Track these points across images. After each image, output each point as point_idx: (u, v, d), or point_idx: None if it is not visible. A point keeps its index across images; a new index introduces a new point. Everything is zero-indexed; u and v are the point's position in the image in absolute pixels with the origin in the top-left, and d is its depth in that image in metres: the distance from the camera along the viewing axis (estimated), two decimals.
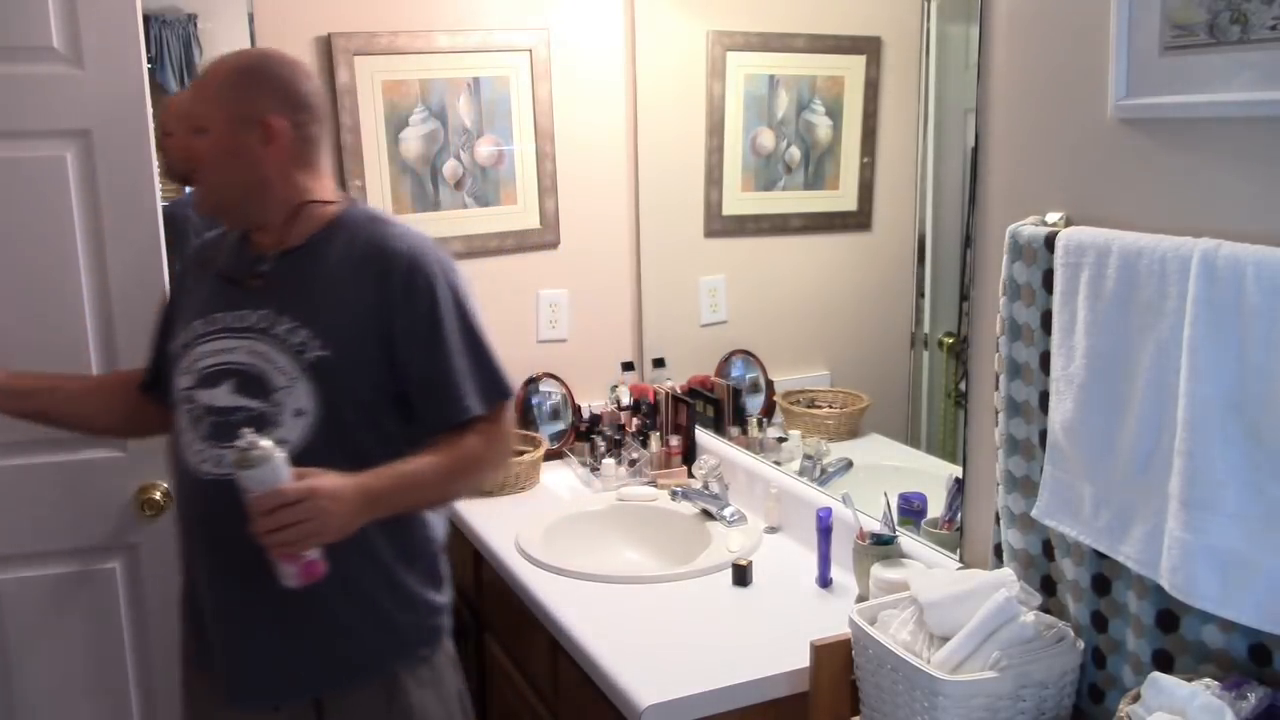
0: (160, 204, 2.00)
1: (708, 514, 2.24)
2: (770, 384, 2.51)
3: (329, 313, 1.55)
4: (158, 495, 2.00)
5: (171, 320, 1.70)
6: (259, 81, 1.56)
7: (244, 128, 1.55)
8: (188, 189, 2.92)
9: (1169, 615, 1.29)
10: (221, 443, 1.50)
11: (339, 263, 1.57)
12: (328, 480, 1.41)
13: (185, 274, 1.74)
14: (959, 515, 1.76)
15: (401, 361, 1.56)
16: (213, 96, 1.55)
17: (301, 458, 1.45)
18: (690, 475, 2.45)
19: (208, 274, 1.66)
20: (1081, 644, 1.41)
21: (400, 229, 1.62)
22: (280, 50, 1.66)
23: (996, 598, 1.38)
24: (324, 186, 1.64)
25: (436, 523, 1.70)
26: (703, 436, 2.54)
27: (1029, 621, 1.38)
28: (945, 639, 1.40)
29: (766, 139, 2.49)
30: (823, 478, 2.20)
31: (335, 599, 1.54)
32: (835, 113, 2.35)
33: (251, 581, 1.48)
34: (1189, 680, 1.20)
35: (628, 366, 2.81)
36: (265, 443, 1.38)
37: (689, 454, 2.52)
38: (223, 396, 1.54)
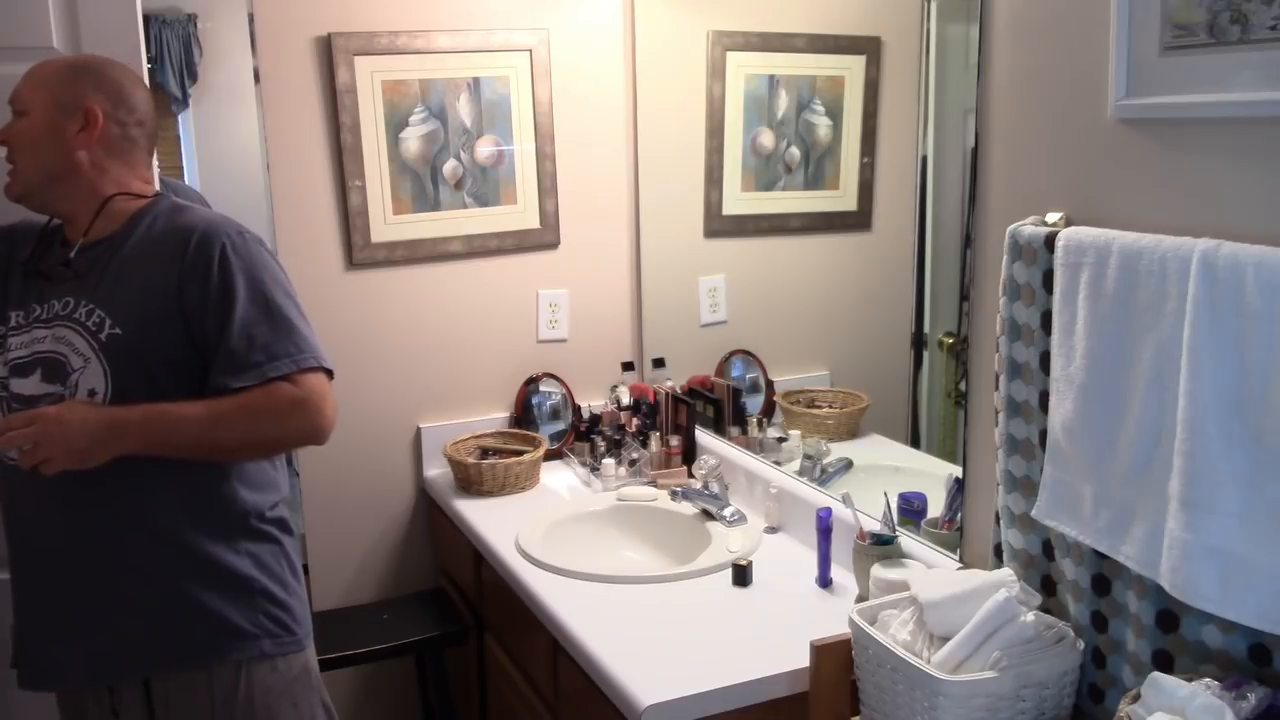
0: None
1: (708, 514, 2.24)
2: (770, 384, 2.51)
3: (123, 293, 1.58)
4: None
5: None
6: (88, 75, 1.64)
7: (64, 113, 1.61)
8: None
9: (1169, 615, 1.29)
10: None
11: (136, 246, 1.62)
12: (56, 408, 1.50)
13: (4, 277, 1.71)
14: (959, 515, 1.76)
15: (195, 332, 1.57)
16: (39, 82, 1.62)
17: None
18: (690, 475, 2.45)
19: (17, 269, 1.68)
20: (1081, 644, 1.41)
21: (201, 212, 1.66)
22: (118, 61, 1.72)
23: (996, 598, 1.38)
24: (138, 183, 1.68)
25: (259, 505, 1.66)
26: (703, 436, 2.54)
27: (1029, 621, 1.38)
28: (945, 639, 1.40)
29: (766, 139, 2.49)
30: (823, 478, 2.20)
31: (134, 577, 1.58)
32: (835, 113, 2.35)
33: (58, 560, 1.58)
34: (1189, 680, 1.20)
35: (628, 366, 2.81)
36: None
37: (689, 454, 2.52)
38: (31, 385, 1.58)
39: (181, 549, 1.59)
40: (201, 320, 1.57)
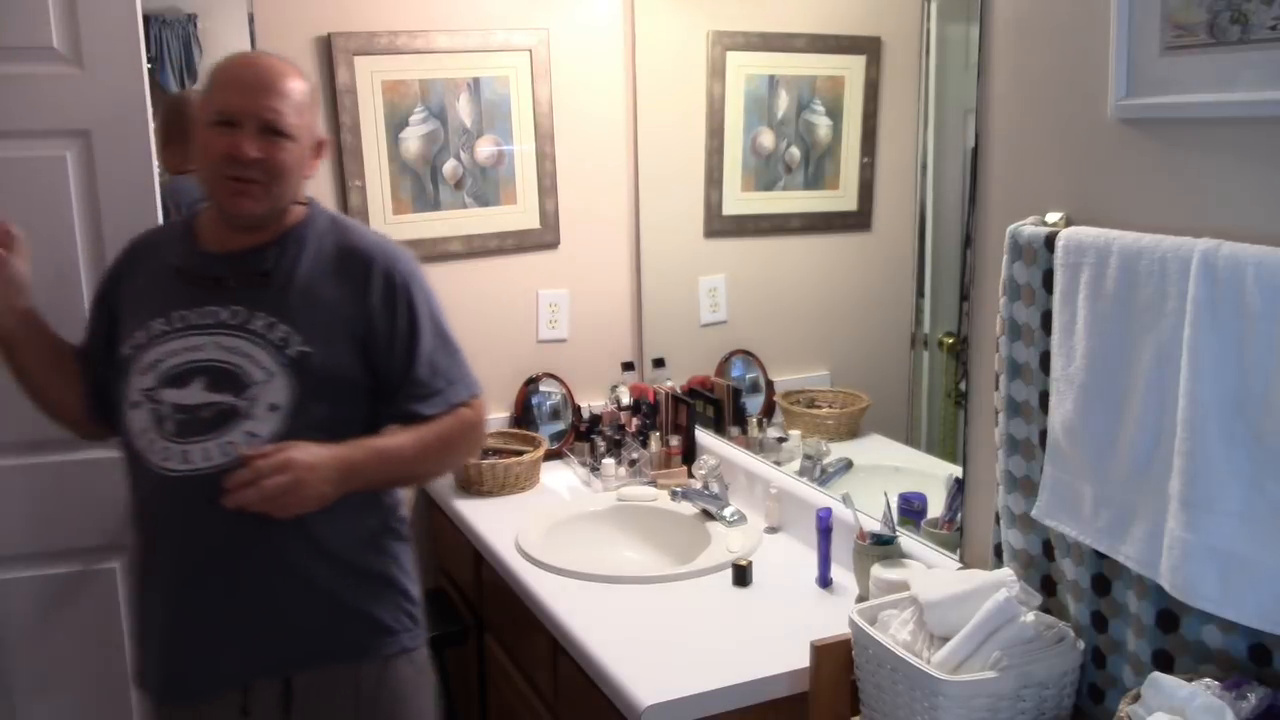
0: (160, 204, 2.00)
1: (708, 514, 2.24)
2: (770, 384, 2.51)
3: (307, 310, 1.57)
4: None
5: (111, 322, 1.66)
6: (319, 99, 1.68)
7: (314, 140, 1.63)
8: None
9: (1169, 615, 1.29)
10: (189, 439, 1.52)
11: (313, 262, 1.61)
12: (305, 450, 1.48)
13: (121, 275, 1.69)
14: (959, 515, 1.76)
15: (379, 361, 1.61)
16: (301, 108, 1.58)
17: None
18: (690, 475, 2.44)
19: (156, 272, 1.64)
20: (1081, 644, 1.41)
21: (364, 229, 1.72)
22: None
23: (996, 598, 1.38)
24: None
25: (396, 507, 1.71)
26: (703, 436, 2.54)
27: (1029, 621, 1.38)
28: (945, 639, 1.40)
29: (766, 139, 2.49)
30: (823, 478, 2.20)
31: (294, 584, 1.57)
32: (835, 113, 2.35)
33: (217, 571, 1.55)
34: (1189, 680, 1.20)
35: (628, 366, 2.81)
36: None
37: (689, 454, 2.52)
38: (192, 394, 1.54)
39: (337, 553, 1.60)
40: (388, 349, 1.61)
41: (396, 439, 1.61)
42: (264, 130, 1.53)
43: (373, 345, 1.60)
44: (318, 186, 2.49)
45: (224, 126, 1.52)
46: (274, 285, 1.59)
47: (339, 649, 1.61)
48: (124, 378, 1.59)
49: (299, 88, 1.58)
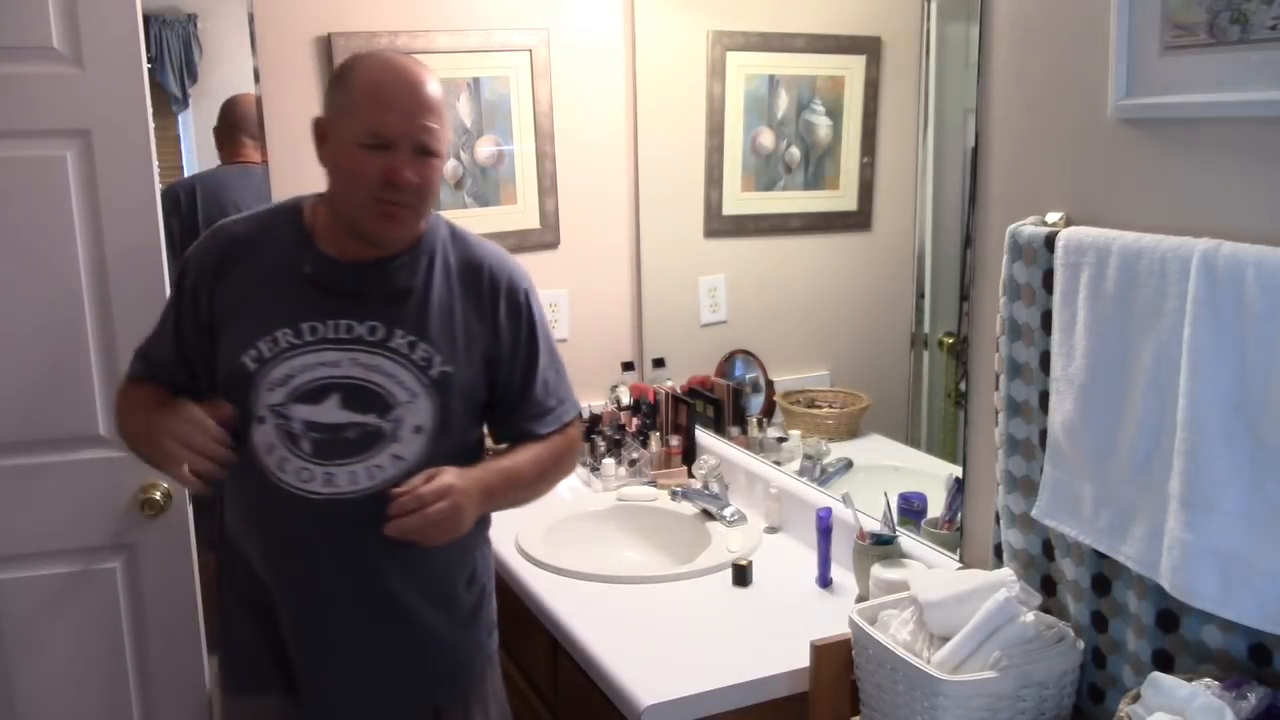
0: (160, 204, 2.00)
1: (708, 514, 2.24)
2: (770, 384, 2.51)
3: (445, 328, 1.53)
4: (158, 495, 2.00)
5: (207, 330, 1.55)
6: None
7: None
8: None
9: (1169, 615, 1.29)
10: (332, 460, 1.48)
11: (442, 277, 1.56)
12: (459, 476, 1.47)
13: (217, 275, 1.54)
14: (959, 515, 1.76)
15: (500, 378, 1.60)
16: (445, 121, 1.52)
17: (416, 473, 1.47)
18: (690, 475, 2.45)
19: (270, 275, 1.52)
20: (1081, 644, 1.41)
21: (480, 240, 1.65)
22: None
23: (996, 598, 1.38)
24: None
25: (487, 529, 1.73)
26: (703, 436, 2.54)
27: (1029, 621, 1.38)
28: (945, 639, 1.40)
29: (766, 139, 2.49)
30: (823, 478, 2.20)
31: (432, 607, 1.58)
32: (835, 113, 2.35)
33: (355, 596, 1.52)
34: (1189, 680, 1.20)
35: (628, 366, 2.81)
36: None
37: (689, 454, 2.52)
38: (329, 412, 1.48)
39: (460, 572, 1.62)
40: (510, 367, 1.60)
41: (518, 460, 1.60)
42: (417, 151, 1.46)
43: (497, 363, 1.58)
44: (318, 187, 2.48)
45: (376, 149, 1.43)
46: (412, 302, 1.52)
47: (474, 662, 1.66)
48: (244, 391, 1.49)
49: (440, 96, 1.49)
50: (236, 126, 3.07)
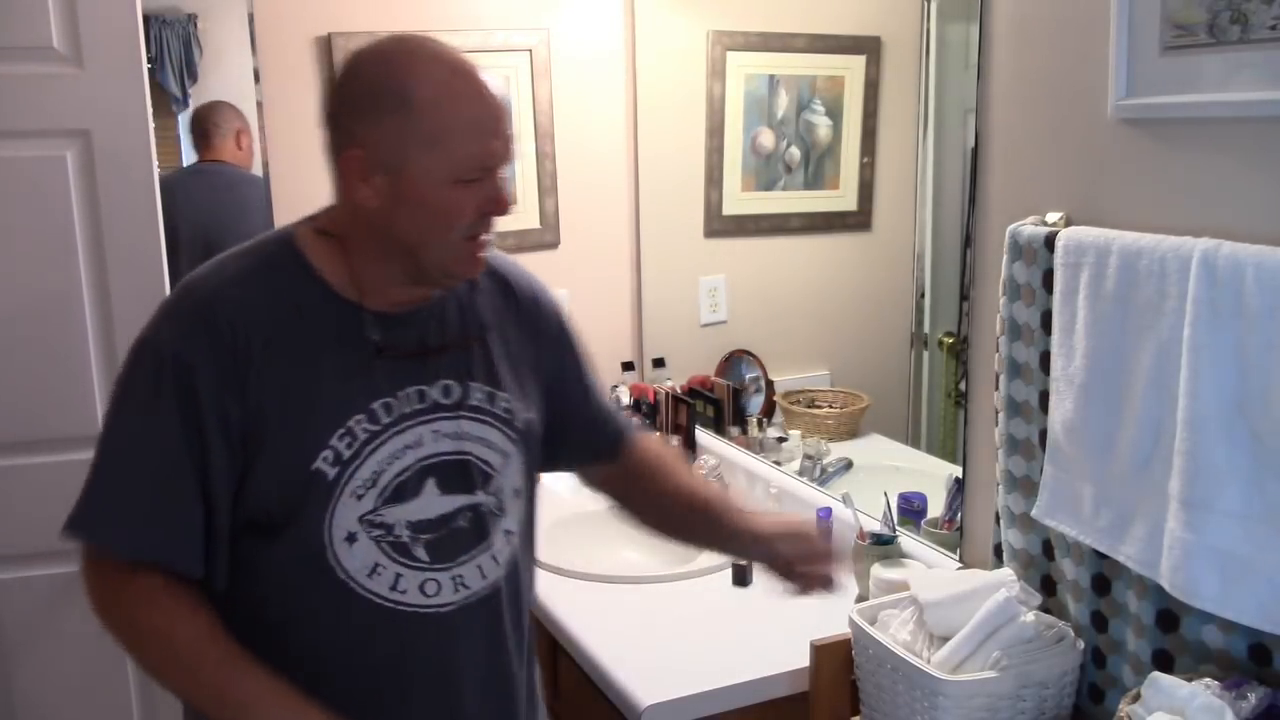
0: (160, 204, 2.00)
1: None
2: (770, 384, 2.51)
3: (511, 368, 1.29)
4: None
5: (255, 440, 1.14)
6: None
7: None
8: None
9: (1169, 615, 1.29)
10: (453, 561, 1.21)
11: (488, 308, 1.31)
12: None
13: (246, 366, 1.13)
14: (959, 515, 1.76)
15: (557, 403, 1.37)
16: None
17: (521, 541, 1.29)
18: None
19: (317, 350, 1.17)
20: (1081, 644, 1.41)
21: (508, 259, 1.40)
22: None
23: (996, 598, 1.38)
24: None
25: None
26: (703, 436, 2.54)
27: (1029, 621, 1.38)
28: (945, 639, 1.40)
29: (766, 139, 2.49)
30: (823, 478, 2.20)
31: (532, 688, 1.38)
32: (835, 113, 2.35)
33: (503, 712, 1.29)
34: (1189, 680, 1.20)
35: (628, 366, 2.81)
36: None
37: (689, 454, 2.52)
38: (430, 504, 1.20)
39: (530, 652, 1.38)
40: (563, 392, 1.38)
41: (702, 483, 1.50)
42: (504, 169, 1.19)
43: (557, 387, 1.37)
44: (318, 187, 2.48)
45: (472, 181, 1.15)
46: (475, 347, 1.26)
47: None
48: (317, 509, 1.15)
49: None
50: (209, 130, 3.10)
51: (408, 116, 1.12)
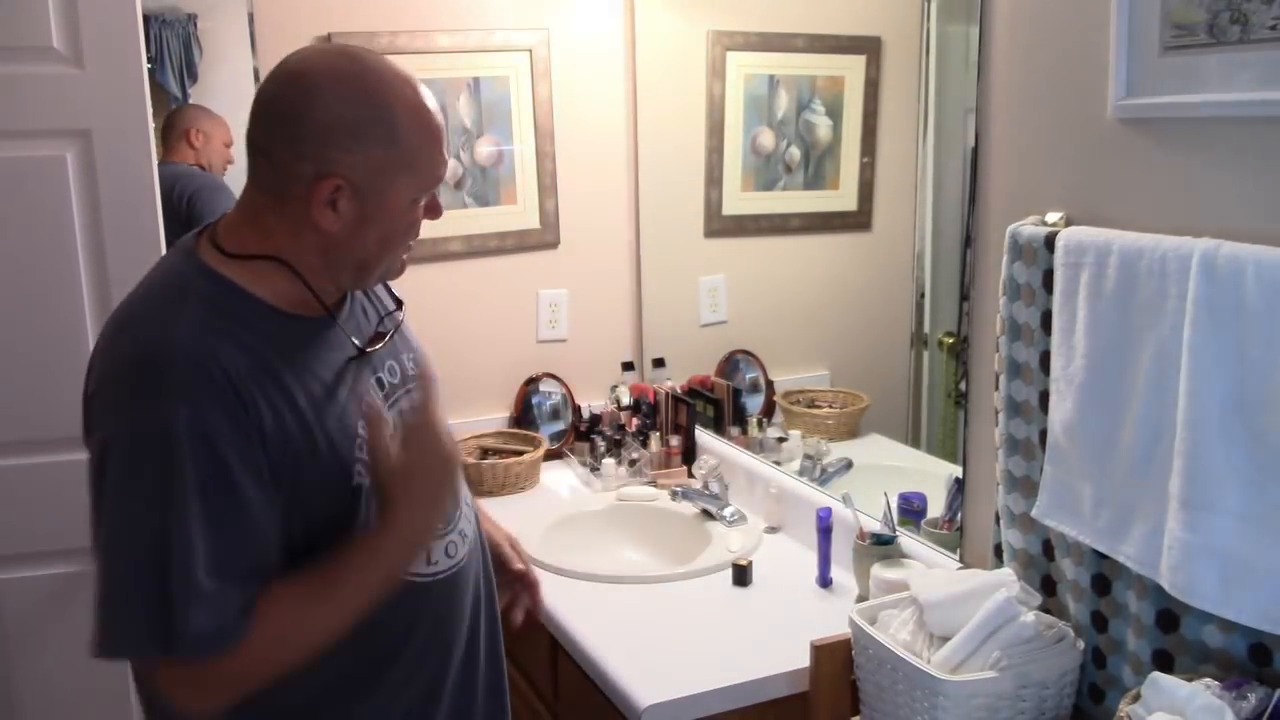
0: (160, 204, 2.00)
1: (708, 514, 2.24)
2: (770, 384, 2.51)
3: (401, 333, 1.37)
4: None
5: (287, 472, 1.13)
6: None
7: None
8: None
9: (1169, 615, 1.29)
10: (460, 518, 1.35)
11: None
12: None
13: (259, 420, 1.11)
14: (959, 515, 1.76)
15: None
16: None
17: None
18: (690, 475, 2.45)
19: (306, 381, 1.17)
20: (1081, 644, 1.41)
21: None
22: None
23: (996, 598, 1.38)
24: None
25: None
26: (703, 436, 2.54)
27: (1029, 621, 1.38)
28: (945, 639, 1.40)
29: (766, 139, 2.49)
30: (823, 478, 2.20)
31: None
32: (835, 113, 2.35)
33: (493, 655, 1.42)
34: (1189, 680, 1.20)
35: (628, 366, 2.81)
36: None
37: (689, 454, 2.52)
38: None
39: None
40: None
41: None
42: None
43: None
44: None
45: (424, 198, 1.22)
46: (402, 322, 1.37)
47: None
48: (353, 513, 1.19)
49: None
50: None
51: (393, 147, 1.15)
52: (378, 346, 1.28)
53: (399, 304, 1.40)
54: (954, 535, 1.77)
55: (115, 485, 1.08)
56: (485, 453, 2.58)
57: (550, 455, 2.67)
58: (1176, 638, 1.29)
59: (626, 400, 2.66)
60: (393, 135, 1.15)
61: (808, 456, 2.25)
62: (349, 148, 1.13)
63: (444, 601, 1.29)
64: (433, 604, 1.28)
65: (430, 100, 1.19)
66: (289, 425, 1.13)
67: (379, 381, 1.26)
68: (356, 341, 1.24)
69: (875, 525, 1.85)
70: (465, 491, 1.37)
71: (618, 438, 2.58)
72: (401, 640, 1.25)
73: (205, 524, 1.07)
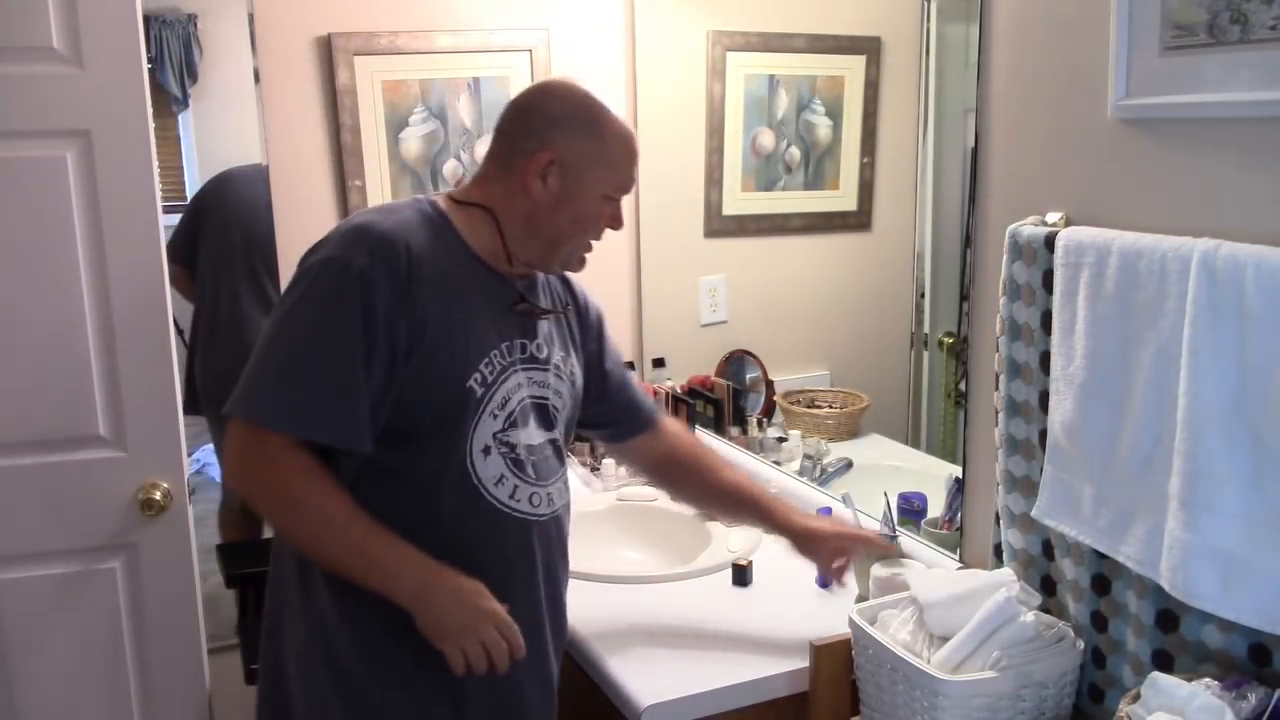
0: (160, 204, 2.00)
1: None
2: (770, 384, 2.51)
3: (570, 341, 1.62)
4: (158, 495, 2.00)
5: (415, 354, 1.38)
6: None
7: None
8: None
9: (1169, 615, 1.29)
10: (547, 480, 1.52)
11: (562, 294, 1.65)
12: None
13: (416, 287, 1.38)
14: (959, 515, 1.76)
15: (592, 382, 1.69)
16: None
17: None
18: None
19: (463, 291, 1.44)
20: (1081, 644, 1.41)
21: None
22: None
23: (996, 598, 1.38)
24: None
25: None
26: (703, 436, 2.54)
27: (1029, 621, 1.38)
28: (945, 639, 1.40)
29: (766, 139, 2.49)
30: (823, 478, 2.20)
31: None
32: (835, 113, 2.36)
33: (557, 617, 1.59)
34: (1189, 680, 1.20)
35: (628, 366, 2.80)
36: None
37: None
38: (533, 433, 1.50)
39: None
40: (599, 372, 1.71)
41: (746, 481, 1.84)
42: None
43: (592, 368, 1.69)
44: (318, 187, 2.49)
45: (611, 200, 1.52)
46: (562, 318, 1.62)
47: None
48: (460, 420, 1.41)
49: None
50: None
51: (598, 140, 1.49)
52: (536, 310, 1.53)
53: (583, 311, 1.68)
54: (954, 535, 1.77)
55: (294, 290, 1.38)
56: None
57: None
58: (1176, 638, 1.29)
59: None
60: (600, 136, 1.49)
61: (808, 456, 2.25)
62: (566, 134, 1.47)
63: (541, 537, 1.51)
64: (530, 537, 1.49)
65: (629, 128, 1.54)
66: (434, 316, 1.38)
67: (520, 345, 1.49)
68: (519, 289, 1.51)
69: (875, 525, 1.85)
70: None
71: None
72: (490, 562, 1.43)
73: (332, 334, 1.33)
